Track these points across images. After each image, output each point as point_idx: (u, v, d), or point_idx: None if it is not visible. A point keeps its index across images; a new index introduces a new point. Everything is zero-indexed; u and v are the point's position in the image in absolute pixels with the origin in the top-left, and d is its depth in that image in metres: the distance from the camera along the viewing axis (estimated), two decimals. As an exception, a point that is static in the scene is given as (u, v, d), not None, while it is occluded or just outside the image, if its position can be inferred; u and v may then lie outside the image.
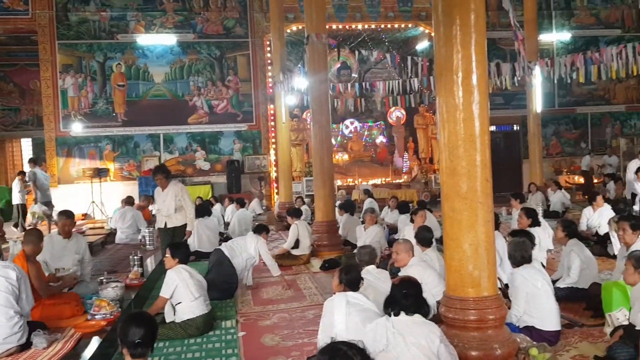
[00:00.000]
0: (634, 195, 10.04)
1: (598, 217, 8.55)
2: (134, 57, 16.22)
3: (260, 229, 7.46)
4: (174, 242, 6.05)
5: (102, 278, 6.08)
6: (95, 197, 14.88)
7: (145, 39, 16.07)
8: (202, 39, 16.45)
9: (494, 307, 3.88)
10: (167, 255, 5.52)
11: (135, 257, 6.95)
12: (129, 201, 11.42)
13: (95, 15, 15.97)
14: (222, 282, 6.77)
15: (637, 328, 3.97)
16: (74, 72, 15.94)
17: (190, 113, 16.46)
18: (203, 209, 9.70)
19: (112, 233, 11.23)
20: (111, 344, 4.79)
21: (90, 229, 12.11)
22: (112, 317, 5.14)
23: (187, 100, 16.42)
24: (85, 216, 14.68)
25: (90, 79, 16.03)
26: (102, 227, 12.10)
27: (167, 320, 5.35)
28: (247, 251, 7.11)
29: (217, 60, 16.57)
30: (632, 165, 10.45)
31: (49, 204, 12.64)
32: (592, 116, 18.91)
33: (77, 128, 15.85)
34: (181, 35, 16.28)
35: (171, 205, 7.27)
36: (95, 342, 4.67)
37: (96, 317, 5.15)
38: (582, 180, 16.80)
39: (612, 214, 8.60)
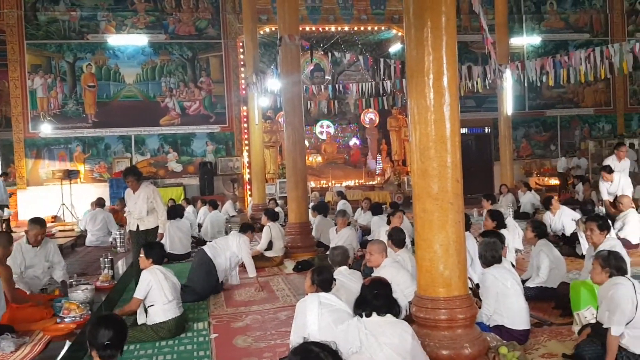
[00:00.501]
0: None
1: (559, 219, 8.70)
2: (105, 57, 16.01)
3: (245, 228, 7.56)
4: (148, 242, 5.95)
5: (72, 280, 5.98)
6: (65, 199, 14.62)
7: (116, 40, 15.88)
8: (174, 40, 16.32)
9: (465, 307, 3.93)
10: (141, 255, 5.46)
11: (106, 260, 6.85)
12: (99, 203, 11.27)
13: (65, 15, 15.73)
14: (203, 283, 6.81)
15: (604, 326, 4.05)
16: (43, 73, 15.68)
17: (162, 114, 16.31)
18: (175, 211, 9.61)
19: (82, 235, 11.06)
20: (80, 347, 4.70)
21: (60, 231, 11.92)
22: (81, 320, 5.05)
23: (158, 101, 16.26)
24: (55, 218, 14.44)
25: (59, 80, 15.78)
26: (72, 230, 11.91)
27: (139, 322, 5.28)
28: (230, 249, 7.14)
29: (190, 61, 16.45)
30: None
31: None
32: (562, 119, 19.28)
33: (46, 129, 15.59)
34: (153, 35, 16.13)
35: (143, 207, 7.17)
36: (64, 346, 4.58)
37: (65, 320, 5.06)
38: (557, 182, 17.07)
39: (572, 213, 8.77)
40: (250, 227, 7.68)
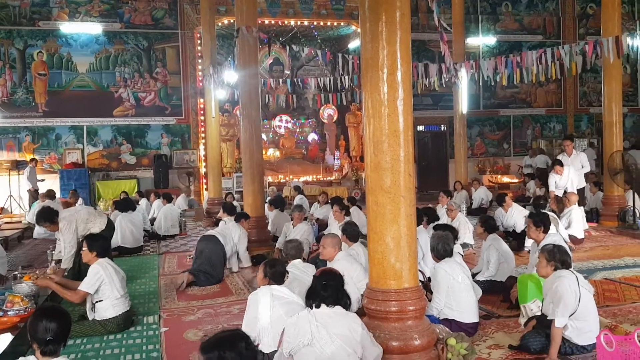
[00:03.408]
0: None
1: (511, 216, 8.93)
2: (57, 45, 15.55)
3: (239, 217, 7.92)
4: (90, 234, 5.74)
5: (17, 273, 5.80)
6: (13, 190, 14.15)
7: (68, 27, 15.42)
8: (129, 29, 15.96)
9: (415, 299, 3.97)
10: (84, 249, 5.29)
11: (53, 252, 6.66)
12: (49, 195, 10.96)
13: (15, 0, 15.17)
14: (219, 268, 7.14)
15: (548, 318, 4.16)
16: (-9, 59, 15.12)
17: (116, 105, 15.94)
18: (126, 204, 9.44)
19: (29, 227, 10.73)
20: (24, 341, 4.55)
21: (7, 223, 11.54)
22: (25, 313, 4.90)
23: (112, 91, 15.89)
24: (1, 210, 13.96)
25: (9, 67, 15.26)
26: (20, 222, 11.55)
27: (90, 319, 5.15)
28: (232, 239, 7.50)
29: (145, 51, 16.13)
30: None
31: None
32: (515, 118, 19.74)
33: (-7, 118, 15.04)
34: (107, 24, 15.74)
35: (73, 241, 6.51)
36: (6, 339, 4.44)
37: (9, 313, 4.91)
38: (513, 180, 17.38)
39: (523, 210, 9.00)
40: (244, 216, 8.04)
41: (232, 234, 7.57)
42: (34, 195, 12.90)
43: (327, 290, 3.47)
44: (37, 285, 5.38)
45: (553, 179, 9.69)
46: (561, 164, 9.71)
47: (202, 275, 6.96)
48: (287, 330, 3.52)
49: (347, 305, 3.55)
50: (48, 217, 6.54)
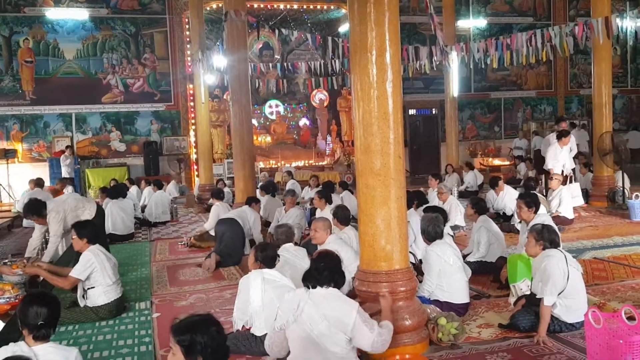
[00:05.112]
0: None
1: (502, 200, 8.97)
2: (43, 32, 15.37)
3: (250, 201, 8.09)
4: (79, 221, 5.68)
5: (7, 261, 5.78)
6: (1, 179, 14.05)
7: (54, 13, 15.24)
8: (116, 15, 15.79)
9: (405, 280, 3.99)
10: (74, 237, 5.25)
11: (43, 241, 6.62)
12: (38, 183, 10.88)
13: (0, -14, 14.99)
14: (240, 250, 7.24)
15: (537, 297, 4.20)
16: (-24, 47, 14.92)
17: (104, 92, 15.81)
18: (117, 190, 9.40)
19: (19, 216, 10.66)
20: (15, 329, 4.54)
21: (-4, 212, 11.47)
22: (16, 301, 4.86)
23: (100, 78, 15.75)
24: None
25: (-6, 54, 15.06)
26: (9, 210, 11.48)
27: (81, 305, 5.14)
28: (249, 222, 7.66)
29: (133, 37, 15.96)
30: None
31: None
32: (505, 101, 19.76)
33: (-20, 106, 14.88)
34: (94, 10, 15.55)
35: (58, 232, 6.38)
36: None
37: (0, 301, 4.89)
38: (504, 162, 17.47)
39: (515, 193, 9.04)
40: (255, 200, 8.19)
41: (248, 217, 7.72)
42: None
43: (322, 272, 3.48)
44: (25, 273, 5.36)
45: (555, 151, 9.55)
46: (568, 134, 9.64)
47: (227, 256, 7.12)
48: (282, 305, 3.55)
49: (340, 286, 3.56)
50: (35, 211, 6.42)
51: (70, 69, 15.57)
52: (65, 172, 14.22)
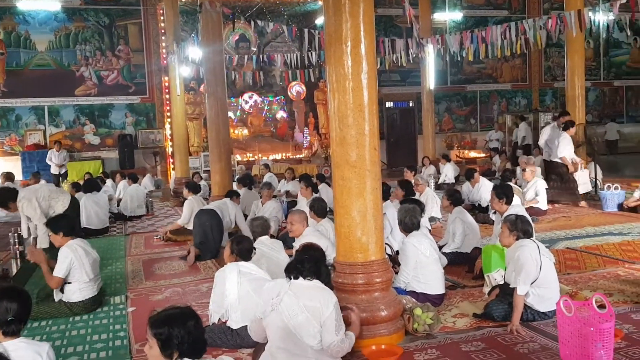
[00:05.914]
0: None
1: (478, 191, 9.07)
2: (14, 23, 15.06)
3: (231, 194, 8.01)
4: (51, 217, 5.57)
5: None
6: (-28, 173, 13.74)
7: (25, 4, 14.92)
8: (89, 5, 15.53)
9: (381, 271, 4.01)
10: (50, 234, 5.15)
11: (15, 235, 6.50)
12: (9, 177, 10.70)
13: (-32, -25, 14.63)
14: (218, 242, 7.12)
15: (511, 286, 4.25)
16: (-55, 38, 14.56)
17: (78, 84, 15.56)
18: (91, 184, 9.26)
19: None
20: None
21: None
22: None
23: (73, 70, 15.49)
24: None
25: (-37, 46, 14.72)
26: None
27: (56, 298, 5.05)
28: (229, 215, 7.53)
29: (106, 28, 15.72)
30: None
31: None
32: (481, 94, 19.94)
33: (-51, 99, 14.54)
34: (66, 1, 15.25)
35: (41, 217, 6.43)
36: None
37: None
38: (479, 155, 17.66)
39: (490, 184, 9.14)
40: (235, 193, 8.09)
41: (229, 210, 7.61)
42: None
43: (305, 263, 3.47)
44: (31, 260, 5.23)
45: (568, 141, 9.66)
46: (574, 124, 9.80)
47: (206, 249, 7.05)
48: (263, 294, 3.53)
49: (325, 281, 3.54)
50: (2, 201, 6.32)
51: (43, 61, 15.29)
52: (54, 169, 14.06)
